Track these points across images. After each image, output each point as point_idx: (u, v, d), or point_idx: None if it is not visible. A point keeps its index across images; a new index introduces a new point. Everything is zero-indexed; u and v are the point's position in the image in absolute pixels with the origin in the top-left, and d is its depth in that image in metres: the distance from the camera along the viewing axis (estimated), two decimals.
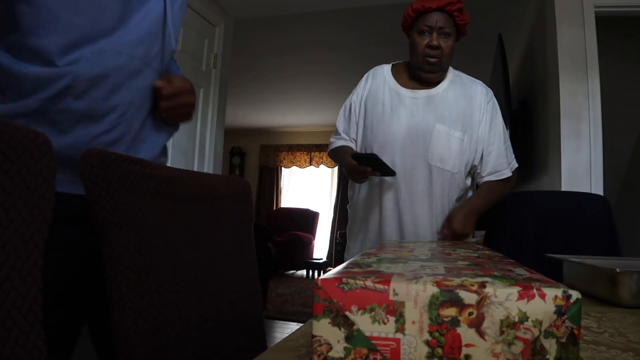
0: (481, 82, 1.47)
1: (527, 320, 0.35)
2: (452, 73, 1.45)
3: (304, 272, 6.61)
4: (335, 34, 3.79)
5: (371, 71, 1.52)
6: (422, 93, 1.41)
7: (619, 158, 3.22)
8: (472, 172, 1.45)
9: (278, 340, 0.59)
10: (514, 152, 1.48)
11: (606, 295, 0.85)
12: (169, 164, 0.88)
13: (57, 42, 0.76)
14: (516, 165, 1.47)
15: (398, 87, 1.43)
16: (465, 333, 0.36)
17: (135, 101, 0.87)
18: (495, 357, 0.36)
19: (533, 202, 1.64)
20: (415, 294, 0.37)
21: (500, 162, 1.41)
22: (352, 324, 0.38)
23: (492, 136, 1.40)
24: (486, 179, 1.42)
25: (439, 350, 0.36)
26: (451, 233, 1.32)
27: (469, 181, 1.45)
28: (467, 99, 1.40)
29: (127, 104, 0.86)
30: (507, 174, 1.42)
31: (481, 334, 0.36)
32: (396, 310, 0.37)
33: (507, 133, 1.48)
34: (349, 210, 1.56)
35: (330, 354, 0.38)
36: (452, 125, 1.36)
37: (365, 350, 0.38)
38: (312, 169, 7.72)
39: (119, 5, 0.83)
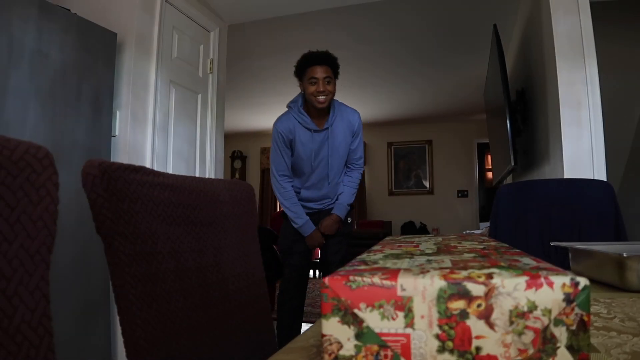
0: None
1: (536, 310, 0.35)
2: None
3: (310, 272, 6.62)
4: (329, 33, 3.79)
5: None
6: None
7: (621, 143, 3.21)
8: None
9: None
10: (515, 141, 1.48)
11: (614, 281, 0.85)
12: (170, 171, 0.89)
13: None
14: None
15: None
16: (475, 325, 0.36)
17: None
18: (506, 347, 0.36)
19: (536, 190, 1.64)
20: (422, 288, 0.37)
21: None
22: (362, 321, 0.38)
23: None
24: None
25: (450, 344, 0.36)
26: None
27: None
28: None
29: None
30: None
31: (491, 325, 0.36)
32: (405, 306, 0.37)
33: None
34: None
35: (341, 352, 0.38)
36: None
37: (375, 347, 0.38)
38: None
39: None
